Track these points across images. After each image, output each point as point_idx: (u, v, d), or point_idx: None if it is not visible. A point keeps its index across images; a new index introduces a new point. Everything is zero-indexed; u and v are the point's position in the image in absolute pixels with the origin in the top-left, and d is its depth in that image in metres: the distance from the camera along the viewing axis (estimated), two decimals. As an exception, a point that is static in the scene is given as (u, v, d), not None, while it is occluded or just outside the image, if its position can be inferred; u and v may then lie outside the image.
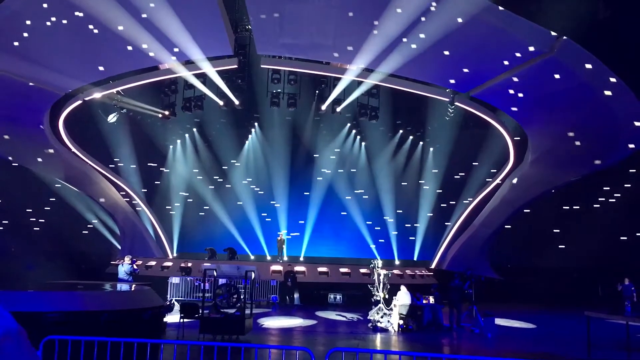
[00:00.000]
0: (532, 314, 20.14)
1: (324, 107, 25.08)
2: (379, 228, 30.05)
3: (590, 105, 17.62)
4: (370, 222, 30.10)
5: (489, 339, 14.74)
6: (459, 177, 28.46)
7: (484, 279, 18.07)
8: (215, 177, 31.07)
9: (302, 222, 30.22)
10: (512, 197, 24.38)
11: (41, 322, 9.30)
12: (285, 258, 26.46)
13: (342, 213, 30.36)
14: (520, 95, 18.39)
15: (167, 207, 30.24)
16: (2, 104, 19.60)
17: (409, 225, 30.07)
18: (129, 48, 17.09)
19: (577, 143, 19.58)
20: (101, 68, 19.06)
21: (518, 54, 16.17)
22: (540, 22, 14.89)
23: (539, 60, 16.07)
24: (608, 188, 25.58)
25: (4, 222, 26.28)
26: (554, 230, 26.49)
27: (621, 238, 25.03)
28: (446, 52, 16.80)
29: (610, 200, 26.04)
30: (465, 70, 18.03)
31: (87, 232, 27.95)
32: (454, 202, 28.73)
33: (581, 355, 12.04)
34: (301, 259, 28.68)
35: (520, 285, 24.38)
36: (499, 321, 17.44)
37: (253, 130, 30.90)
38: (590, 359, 11.61)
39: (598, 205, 26.37)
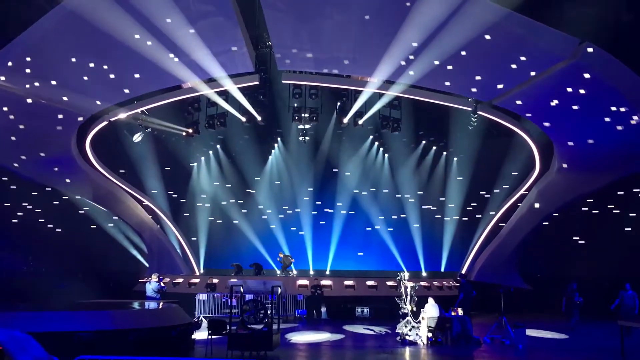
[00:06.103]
0: (564, 324, 19.75)
1: (345, 120, 25.02)
2: (404, 239, 29.85)
3: (616, 110, 17.35)
4: (396, 234, 29.89)
5: (520, 351, 14.49)
6: (484, 186, 28.16)
7: (513, 289, 17.83)
8: (239, 193, 31.23)
9: (323, 234, 30.17)
10: (540, 205, 24.01)
11: (72, 342, 9.44)
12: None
13: (367, 228, 30.30)
14: (544, 102, 18.18)
15: (193, 224, 30.45)
16: (30, 128, 20.06)
17: (436, 236, 29.81)
18: (152, 68, 17.42)
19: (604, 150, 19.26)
20: (126, 91, 19.48)
21: (540, 61, 16.05)
22: (561, 27, 14.79)
23: (561, 66, 15.90)
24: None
25: (34, 242, 26.73)
26: (583, 239, 25.94)
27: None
28: (467, 61, 16.72)
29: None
30: (487, 78, 17.92)
31: (115, 250, 28.29)
32: (480, 212, 28.42)
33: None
34: (327, 272, 28.59)
35: (551, 295, 23.91)
36: (529, 332, 17.14)
37: (276, 145, 31.02)
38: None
39: (629, 211, 25.76)
